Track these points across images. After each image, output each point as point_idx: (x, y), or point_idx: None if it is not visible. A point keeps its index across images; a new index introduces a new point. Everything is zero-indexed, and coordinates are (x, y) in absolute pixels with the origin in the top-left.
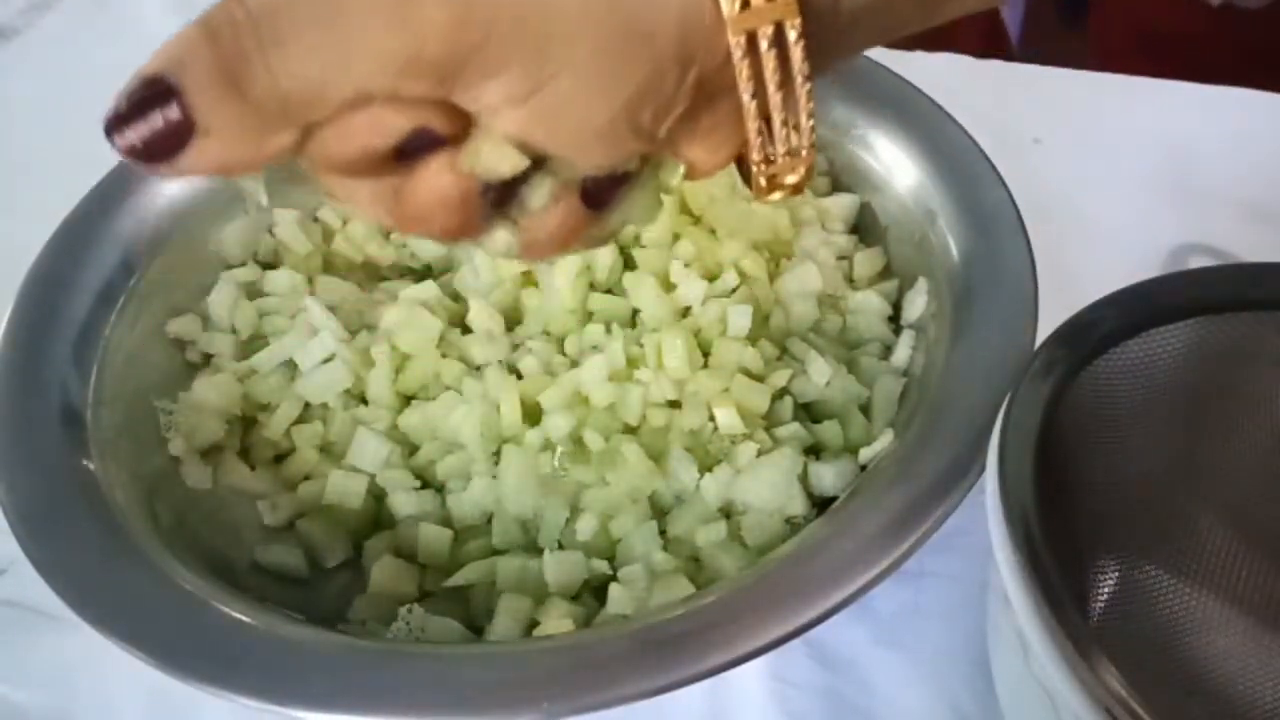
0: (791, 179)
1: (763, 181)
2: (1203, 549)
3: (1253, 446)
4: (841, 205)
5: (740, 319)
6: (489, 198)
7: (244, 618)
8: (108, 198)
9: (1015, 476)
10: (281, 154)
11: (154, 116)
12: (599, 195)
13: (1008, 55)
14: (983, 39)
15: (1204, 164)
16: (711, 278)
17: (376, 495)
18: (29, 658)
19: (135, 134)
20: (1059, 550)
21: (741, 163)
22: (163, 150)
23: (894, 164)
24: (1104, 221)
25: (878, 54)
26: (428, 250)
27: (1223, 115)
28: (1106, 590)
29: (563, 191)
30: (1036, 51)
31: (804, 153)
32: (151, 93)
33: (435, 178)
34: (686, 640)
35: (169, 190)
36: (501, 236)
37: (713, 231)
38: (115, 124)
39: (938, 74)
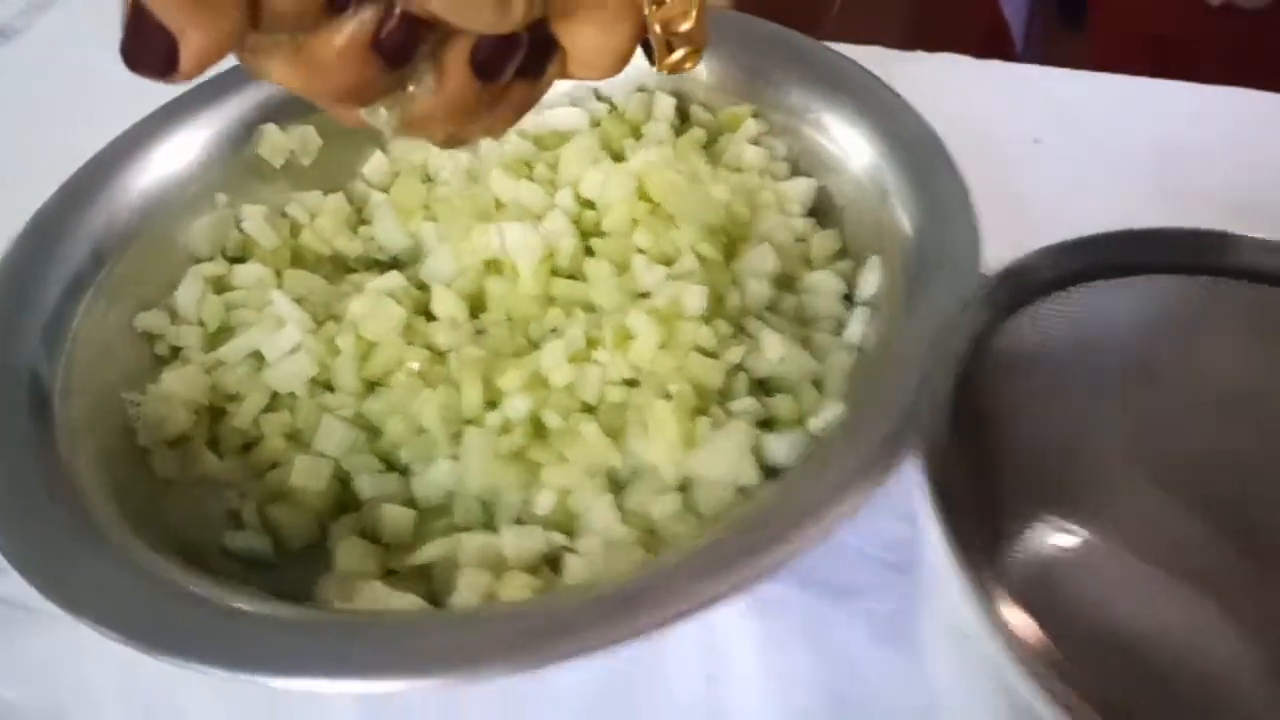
0: (685, 25)
1: (658, 28)
2: (1126, 506)
3: (1182, 409)
4: (799, 189)
5: (695, 300)
6: (385, 53)
7: (213, 595)
8: (78, 193)
9: (930, 416)
10: (241, 25)
11: (147, 41)
12: (490, 63)
13: (1012, 56)
14: (985, 40)
15: (1204, 164)
16: (669, 262)
17: (342, 479)
18: (19, 655)
19: (147, 64)
20: (973, 490)
21: (646, 46)
22: (169, 63)
23: (849, 146)
24: (1104, 221)
25: (877, 53)
26: (395, 243)
27: (1223, 116)
28: (1027, 543)
29: (454, 59)
30: (1036, 51)
31: None
32: (134, 17)
33: (339, 27)
34: (644, 596)
35: (139, 186)
36: (383, 114)
37: (671, 218)
38: (128, 61)
39: (938, 74)
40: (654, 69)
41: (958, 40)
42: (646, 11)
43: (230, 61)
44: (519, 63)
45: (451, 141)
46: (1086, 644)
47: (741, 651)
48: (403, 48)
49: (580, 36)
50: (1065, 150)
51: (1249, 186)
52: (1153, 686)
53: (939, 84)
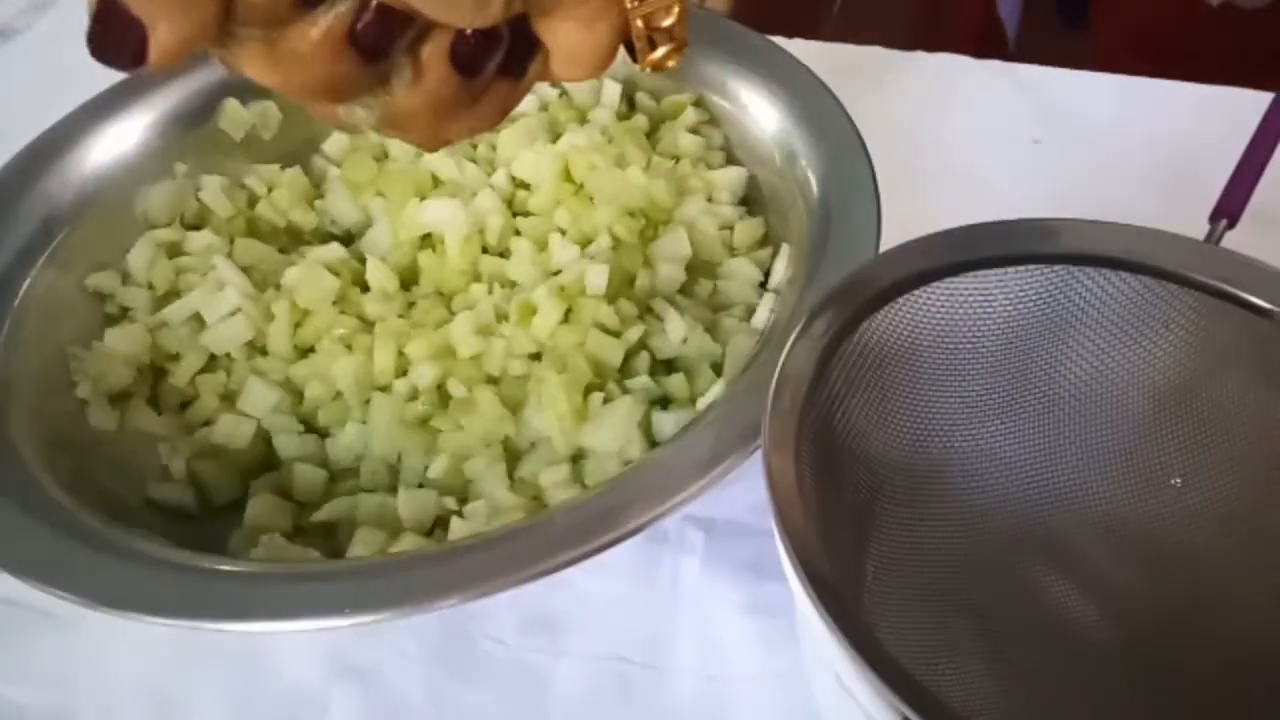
0: (668, 20)
1: (639, 24)
2: (983, 495)
3: (1044, 398)
4: (730, 178)
5: (597, 278)
6: (361, 47)
7: (145, 547)
8: (38, 158)
9: (777, 413)
10: (216, 18)
11: (117, 32)
12: (470, 59)
13: (1006, 56)
14: (979, 39)
15: (1203, 164)
16: (588, 242)
17: (267, 440)
18: (28, 656)
19: (115, 55)
20: (827, 477)
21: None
22: (138, 54)
23: (767, 129)
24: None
25: (877, 53)
26: (347, 217)
27: (1222, 115)
28: (883, 531)
29: (434, 54)
30: (1036, 51)
31: None
32: (103, 6)
33: (314, 21)
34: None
35: (95, 154)
36: (360, 112)
37: (591, 199)
38: (95, 50)
39: (937, 74)
40: (637, 66)
41: (953, 40)
42: (629, 6)
43: None
44: (500, 60)
45: (433, 141)
46: (934, 630)
47: (742, 651)
48: (379, 41)
49: (562, 34)
50: (1065, 150)
51: None
52: (1004, 675)
53: (939, 84)
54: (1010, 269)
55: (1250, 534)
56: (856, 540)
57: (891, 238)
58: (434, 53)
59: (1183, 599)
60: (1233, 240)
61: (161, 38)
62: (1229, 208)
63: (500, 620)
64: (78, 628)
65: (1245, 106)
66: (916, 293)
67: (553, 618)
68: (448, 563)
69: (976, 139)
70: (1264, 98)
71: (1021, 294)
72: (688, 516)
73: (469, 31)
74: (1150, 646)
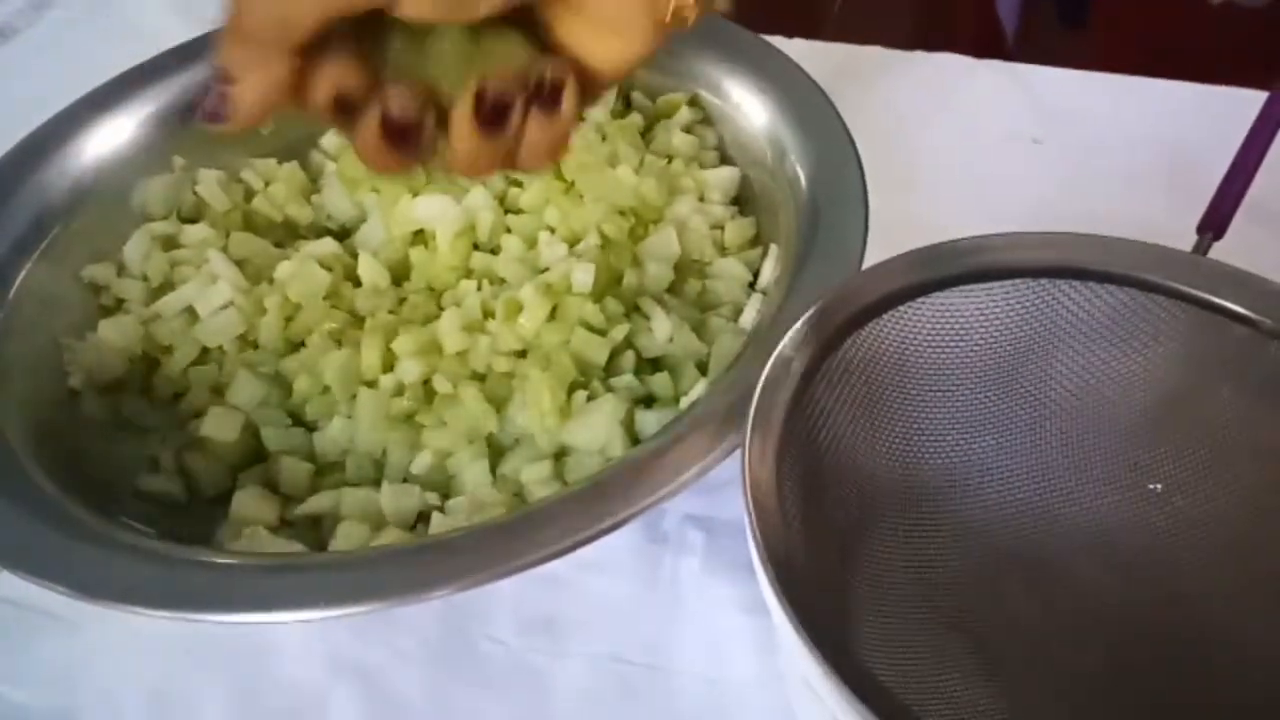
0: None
1: None
2: (967, 507)
3: (1032, 413)
4: (721, 178)
5: (583, 276)
6: (395, 141)
7: (131, 539)
8: (35, 150)
9: (758, 427)
10: (288, 80)
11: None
12: (491, 117)
13: (1004, 54)
14: (979, 39)
15: (1203, 164)
16: (578, 240)
17: (256, 433)
18: (30, 657)
19: (205, 106)
20: (809, 488)
21: None
22: (220, 109)
23: (765, 133)
24: (1103, 222)
25: (877, 53)
26: (343, 212)
27: (1222, 115)
28: (870, 544)
29: (459, 120)
30: (1036, 51)
31: None
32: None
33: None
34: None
35: (93, 147)
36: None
37: (582, 198)
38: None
39: (937, 74)
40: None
41: (953, 40)
42: None
43: (193, 33)
44: (526, 104)
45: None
46: (926, 646)
47: (741, 651)
48: (406, 132)
49: (590, 43)
50: (1065, 150)
51: (1251, 186)
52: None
53: (939, 83)
54: (996, 283)
55: (1241, 546)
56: (846, 556)
57: (891, 238)
58: (459, 119)
59: (1174, 612)
60: (1227, 238)
61: (242, 92)
62: (1216, 219)
63: (500, 620)
64: (80, 628)
65: (1245, 106)
66: (902, 308)
67: (553, 618)
68: (433, 556)
69: (976, 139)
70: (1264, 97)
71: (1008, 308)
72: (688, 516)
73: (485, 91)
74: (1142, 660)
